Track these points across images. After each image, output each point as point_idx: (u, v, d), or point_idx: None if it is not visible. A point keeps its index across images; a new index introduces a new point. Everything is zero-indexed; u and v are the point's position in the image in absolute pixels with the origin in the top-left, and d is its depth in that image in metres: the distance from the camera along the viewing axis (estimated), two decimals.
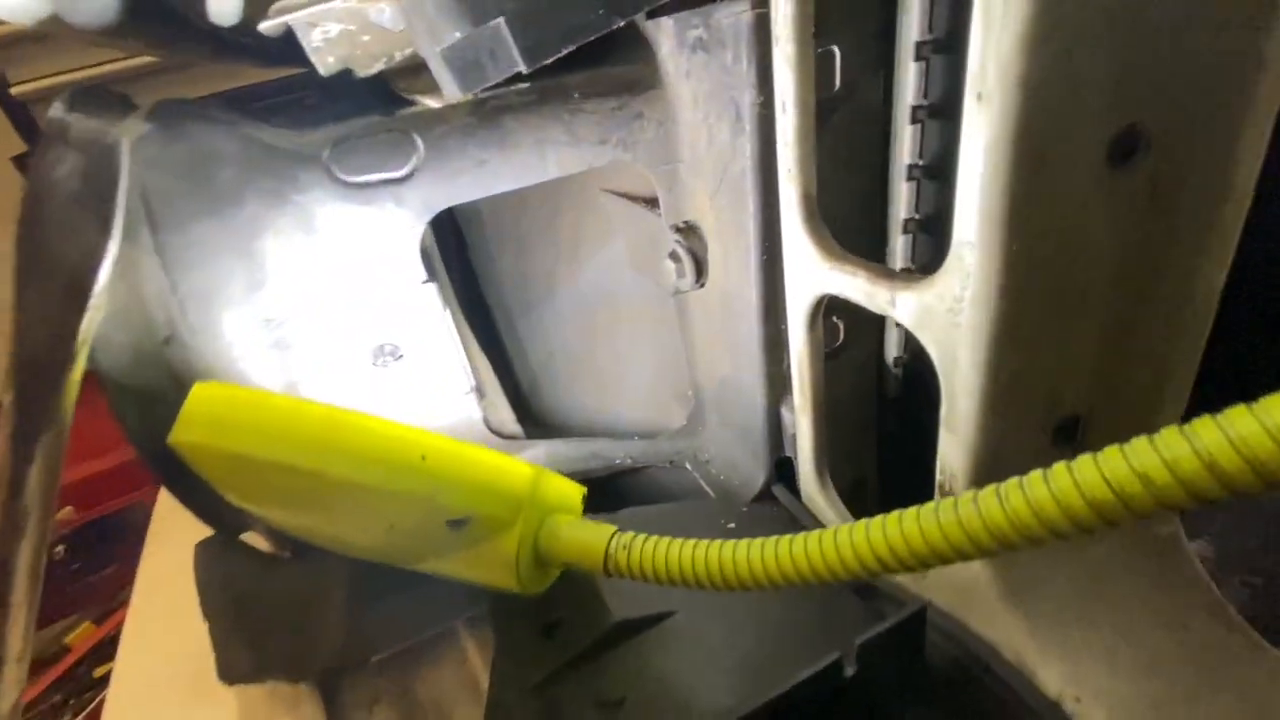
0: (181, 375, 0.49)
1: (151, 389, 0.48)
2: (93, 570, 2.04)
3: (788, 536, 0.34)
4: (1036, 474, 0.25)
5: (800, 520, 0.62)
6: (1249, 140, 0.30)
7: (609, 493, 0.83)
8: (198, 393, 0.40)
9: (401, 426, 0.39)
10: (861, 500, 0.66)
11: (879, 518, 0.31)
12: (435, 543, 0.41)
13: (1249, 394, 0.22)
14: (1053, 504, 0.24)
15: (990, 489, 0.27)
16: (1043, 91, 0.28)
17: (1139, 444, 0.23)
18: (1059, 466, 0.25)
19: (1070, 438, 0.40)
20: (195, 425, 0.39)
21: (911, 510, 0.29)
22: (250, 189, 0.48)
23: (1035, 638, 0.41)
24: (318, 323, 0.53)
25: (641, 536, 0.39)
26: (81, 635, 1.89)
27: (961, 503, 0.28)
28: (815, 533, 0.33)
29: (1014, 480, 0.26)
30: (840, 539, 0.31)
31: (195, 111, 0.51)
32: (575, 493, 0.44)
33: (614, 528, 0.40)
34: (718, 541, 0.36)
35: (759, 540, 0.35)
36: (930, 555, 0.29)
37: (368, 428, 0.39)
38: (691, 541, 0.37)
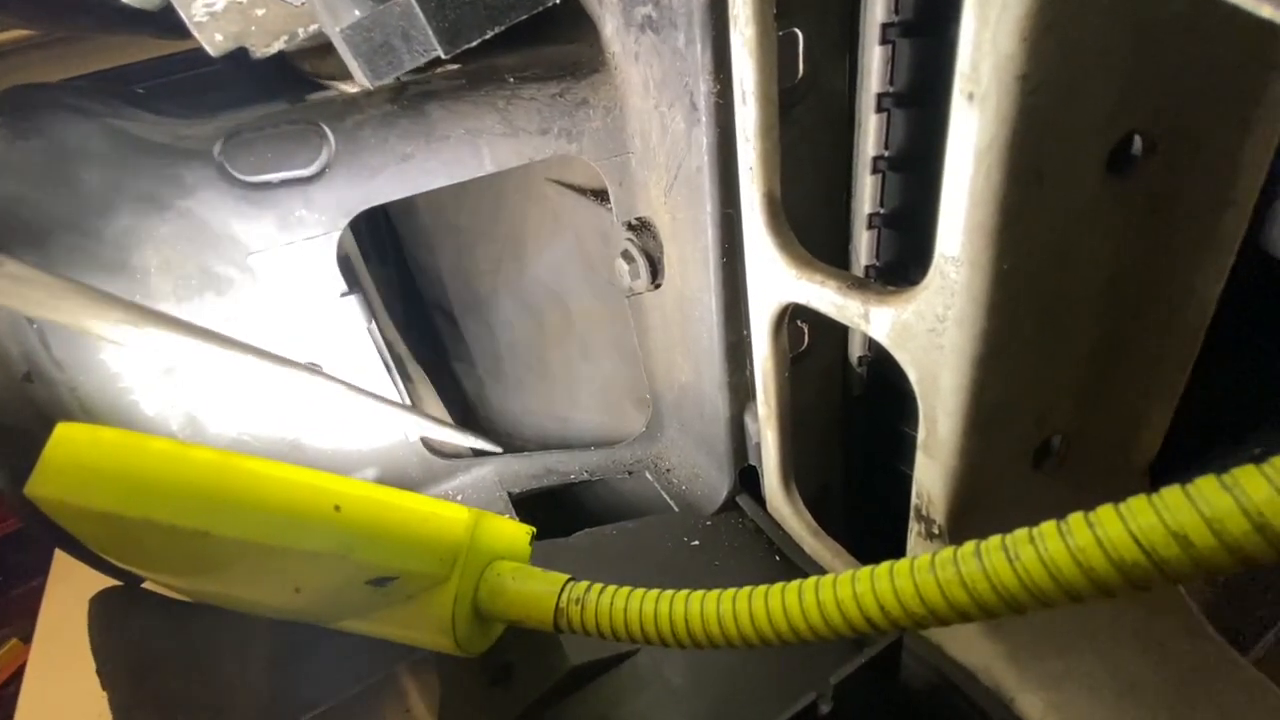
0: (51, 414, 0.41)
1: (15, 432, 0.41)
2: (15, 584, 1.90)
3: (763, 589, 0.30)
4: (1050, 527, 0.22)
5: (767, 532, 0.59)
6: (1254, 147, 0.27)
7: (565, 503, 0.79)
8: (60, 436, 0.33)
9: (309, 472, 0.34)
10: (826, 507, 0.64)
11: (866, 570, 0.27)
12: (354, 603, 0.36)
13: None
14: (1071, 564, 0.21)
15: (995, 541, 0.24)
16: (1044, 91, 0.24)
17: (1171, 497, 0.20)
18: (1076, 520, 0.22)
19: (1050, 457, 0.37)
20: (55, 476, 0.33)
21: (903, 564, 0.26)
22: (122, 194, 0.40)
23: (1015, 664, 0.39)
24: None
25: (597, 588, 0.34)
26: (9, 653, 1.74)
27: (962, 556, 0.24)
28: (794, 586, 0.29)
29: (1023, 533, 0.23)
30: (824, 595, 0.28)
31: (54, 100, 0.43)
32: (521, 535, 0.39)
33: (565, 578, 0.35)
34: (683, 593, 0.32)
35: (730, 593, 0.31)
36: (926, 616, 0.25)
37: (267, 475, 0.33)
38: (654, 593, 0.33)
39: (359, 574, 0.34)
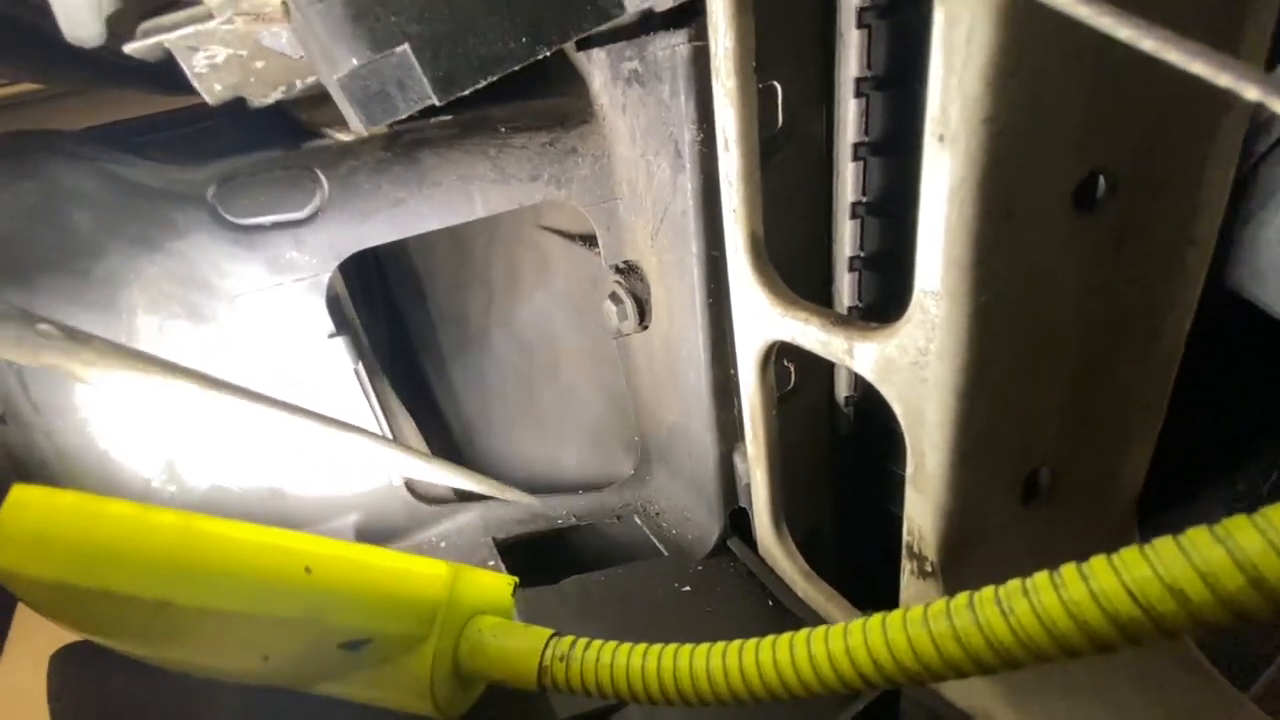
0: (23, 459, 0.40)
1: None
2: None
3: (753, 642, 0.29)
4: (1043, 578, 0.22)
5: (759, 576, 0.58)
6: (1211, 187, 0.28)
7: (554, 548, 0.77)
8: (14, 500, 0.32)
9: (278, 533, 0.32)
10: (818, 548, 0.63)
11: (858, 622, 0.27)
12: (325, 668, 0.34)
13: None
14: (1066, 617, 0.21)
15: (989, 593, 0.23)
16: (1010, 132, 0.25)
17: (1164, 548, 0.19)
18: (1069, 571, 0.21)
19: (1038, 491, 0.37)
20: (7, 545, 0.31)
21: (896, 615, 0.25)
22: (113, 235, 0.41)
23: (1015, 707, 0.38)
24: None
25: (582, 643, 0.33)
26: None
27: (956, 609, 0.24)
28: (785, 639, 0.28)
29: (1016, 584, 0.23)
30: (815, 650, 0.27)
31: (49, 144, 0.44)
32: (503, 586, 0.38)
33: (548, 633, 0.34)
34: (671, 648, 0.31)
35: (720, 647, 0.30)
36: (920, 671, 0.25)
37: (232, 538, 0.31)
38: (641, 648, 0.32)
39: (331, 638, 0.32)
